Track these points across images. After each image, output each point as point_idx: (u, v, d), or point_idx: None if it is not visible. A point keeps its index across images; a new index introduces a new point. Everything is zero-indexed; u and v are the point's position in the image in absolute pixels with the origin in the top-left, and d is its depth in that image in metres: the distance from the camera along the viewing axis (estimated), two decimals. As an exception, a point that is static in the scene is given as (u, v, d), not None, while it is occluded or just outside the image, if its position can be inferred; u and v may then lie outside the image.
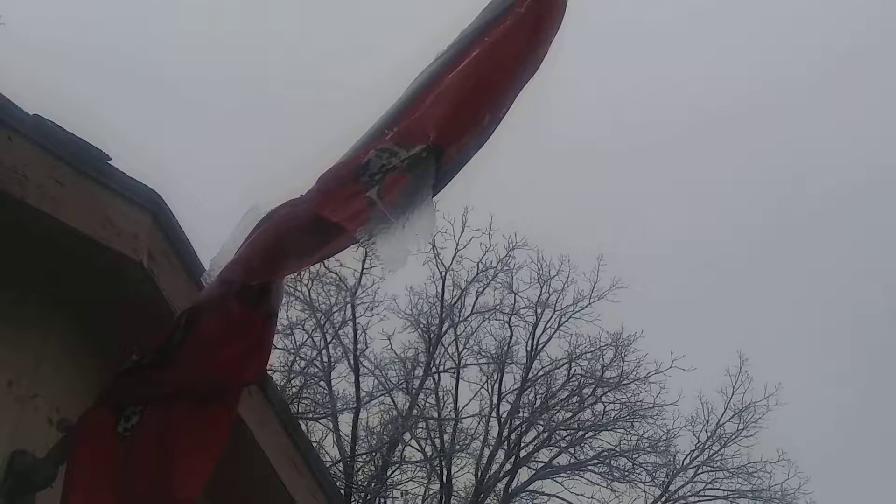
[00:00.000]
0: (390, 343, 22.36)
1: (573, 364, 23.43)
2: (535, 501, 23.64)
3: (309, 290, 21.03)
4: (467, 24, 3.15)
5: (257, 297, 2.93)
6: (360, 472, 21.76)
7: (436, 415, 22.66)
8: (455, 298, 22.72)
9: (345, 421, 21.72)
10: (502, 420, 22.90)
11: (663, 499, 23.66)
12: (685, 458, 23.94)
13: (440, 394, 22.88)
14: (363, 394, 21.74)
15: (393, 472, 22.30)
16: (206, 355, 2.91)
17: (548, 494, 23.36)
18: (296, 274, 15.97)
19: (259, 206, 3.04)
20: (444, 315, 22.52)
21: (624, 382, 23.27)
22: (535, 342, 23.26)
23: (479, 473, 22.38)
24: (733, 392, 23.84)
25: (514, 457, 22.97)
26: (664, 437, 23.50)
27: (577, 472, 23.46)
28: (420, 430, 22.72)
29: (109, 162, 3.14)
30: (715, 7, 31.22)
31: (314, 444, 14.55)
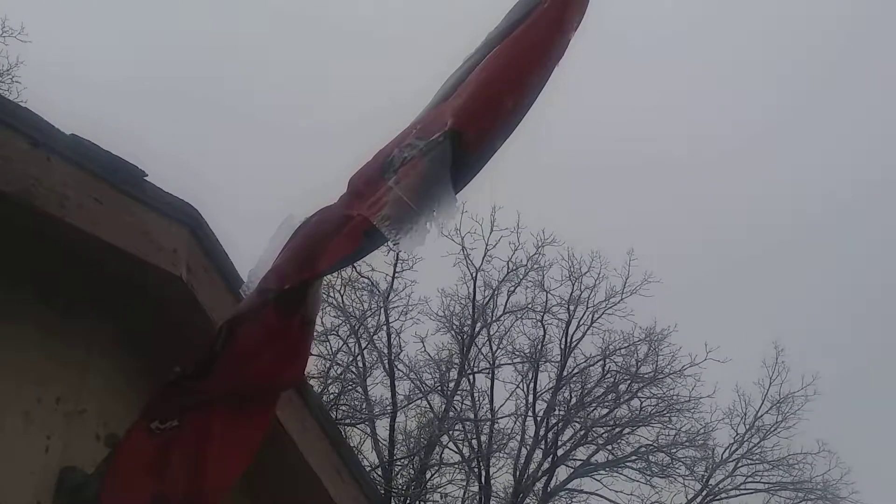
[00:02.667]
0: (424, 346, 22.47)
1: (607, 360, 23.39)
2: (574, 500, 23.62)
3: (342, 296, 21.14)
4: (493, 26, 3.17)
5: (294, 304, 2.96)
6: (398, 476, 21.82)
7: (472, 416, 22.67)
8: (487, 298, 22.75)
9: (382, 425, 21.82)
10: (538, 419, 22.89)
11: (703, 493, 23.53)
12: (724, 451, 23.85)
13: (476, 395, 22.93)
14: (399, 397, 21.84)
15: (432, 475, 22.36)
16: (245, 364, 2.94)
17: (587, 492, 23.33)
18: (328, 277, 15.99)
19: (294, 215, 3.08)
20: (476, 316, 22.53)
21: (659, 377, 23.21)
22: (568, 340, 23.24)
23: (518, 473, 22.37)
24: (770, 383, 23.76)
25: (551, 455, 22.94)
26: (702, 431, 23.43)
27: (615, 468, 23.40)
28: (457, 431, 22.77)
29: (146, 178, 3.18)
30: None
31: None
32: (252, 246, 3.24)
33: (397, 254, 19.76)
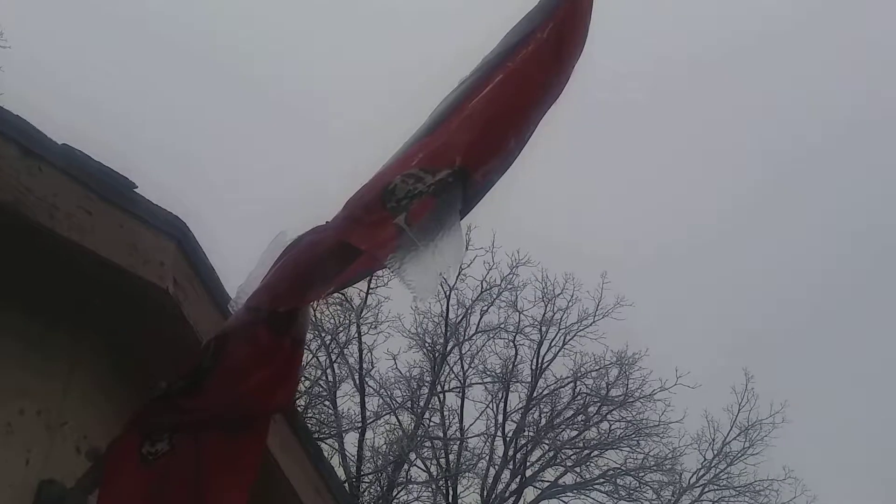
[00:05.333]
0: (395, 362, 22.39)
1: (578, 382, 23.40)
2: (541, 521, 23.54)
3: (314, 310, 21.00)
4: (489, 50, 3.18)
5: (285, 324, 2.93)
6: (365, 493, 21.68)
7: (441, 434, 22.61)
8: (459, 317, 22.72)
9: (350, 441, 21.68)
10: (508, 439, 22.85)
11: (670, 517, 23.55)
12: (691, 476, 23.87)
13: (445, 413, 22.87)
14: (368, 413, 21.73)
15: (398, 493, 22.21)
16: (235, 383, 2.91)
17: (554, 514, 23.27)
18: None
19: (286, 232, 3.05)
20: (448, 334, 22.51)
21: (629, 400, 23.25)
22: (539, 361, 23.24)
23: (485, 493, 22.30)
24: (739, 410, 23.82)
25: (519, 476, 22.88)
26: (670, 456, 23.45)
27: (582, 491, 23.39)
28: (425, 449, 22.67)
29: (135, 189, 3.15)
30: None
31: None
32: (242, 248, 3.22)
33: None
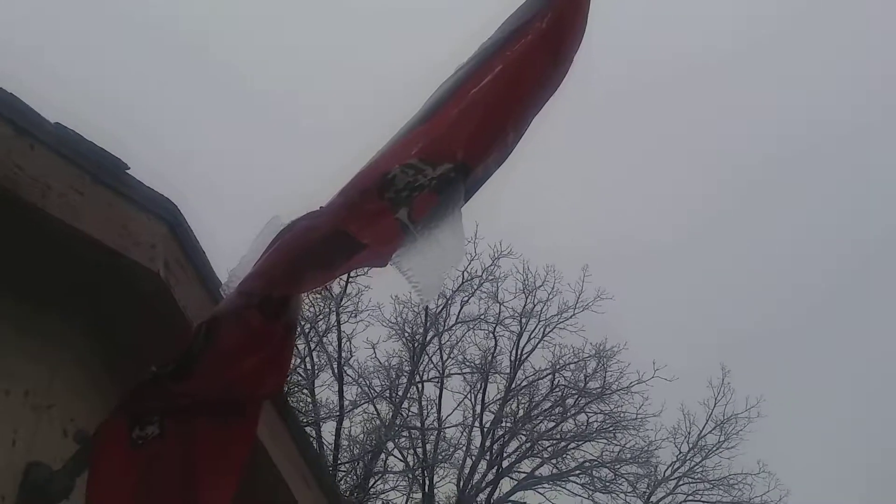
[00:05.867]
0: (374, 352, 22.36)
1: (556, 375, 23.48)
2: (516, 512, 23.62)
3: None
4: (486, 37, 3.15)
5: (277, 309, 2.91)
6: (342, 482, 21.66)
7: (419, 424, 22.62)
8: (440, 308, 22.70)
9: (327, 429, 21.67)
10: (485, 430, 22.90)
11: (645, 510, 23.70)
12: (667, 469, 24.04)
13: (423, 403, 22.91)
14: (346, 402, 21.71)
15: (375, 482, 22.23)
16: (226, 367, 2.89)
17: (530, 505, 23.36)
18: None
19: (279, 216, 3.02)
20: (428, 324, 22.52)
21: (607, 393, 23.34)
22: (519, 352, 23.29)
23: (461, 483, 22.35)
24: (715, 403, 23.98)
25: (496, 467, 22.96)
26: (646, 448, 23.59)
27: (559, 482, 23.48)
28: (403, 439, 22.68)
29: (128, 171, 3.12)
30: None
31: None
32: (233, 241, 3.20)
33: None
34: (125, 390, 2.95)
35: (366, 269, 2.94)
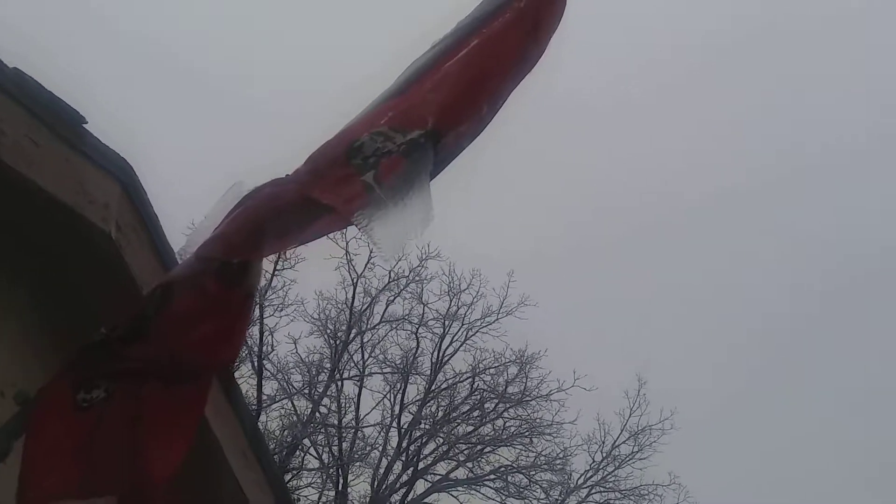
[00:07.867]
0: (296, 347, 22.09)
1: (477, 378, 23.50)
2: (429, 514, 23.58)
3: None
4: (464, 15, 3.13)
5: (236, 276, 2.83)
6: (256, 477, 21.39)
7: (336, 422, 22.43)
8: (364, 306, 22.56)
9: (243, 423, 21.32)
10: (403, 431, 22.81)
11: (556, 517, 23.87)
12: (580, 477, 24.23)
13: (342, 401, 22.69)
14: (265, 397, 21.41)
15: (290, 479, 21.95)
16: (181, 333, 2.79)
17: (443, 508, 23.34)
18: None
19: (243, 182, 2.94)
20: (352, 322, 22.33)
21: (526, 399, 23.44)
22: (440, 354, 23.24)
23: (375, 483, 22.23)
24: (630, 414, 24.27)
25: (411, 468, 22.88)
26: (561, 456, 23.76)
27: (473, 486, 23.50)
28: (320, 436, 22.48)
29: (85, 125, 3.00)
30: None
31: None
32: (190, 208, 3.10)
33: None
34: (71, 352, 2.83)
35: (330, 232, 2.87)
